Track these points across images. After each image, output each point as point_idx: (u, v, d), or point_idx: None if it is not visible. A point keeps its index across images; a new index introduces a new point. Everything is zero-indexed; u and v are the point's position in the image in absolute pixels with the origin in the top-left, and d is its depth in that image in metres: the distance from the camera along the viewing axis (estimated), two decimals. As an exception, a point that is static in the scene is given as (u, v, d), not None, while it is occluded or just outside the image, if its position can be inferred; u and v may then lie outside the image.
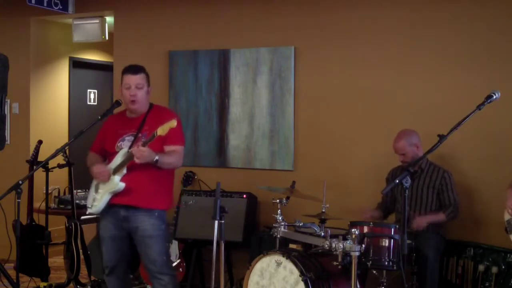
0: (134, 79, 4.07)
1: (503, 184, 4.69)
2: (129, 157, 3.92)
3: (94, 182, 4.18)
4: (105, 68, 7.78)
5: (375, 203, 4.82)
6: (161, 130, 3.78)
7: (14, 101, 6.76)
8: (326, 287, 3.87)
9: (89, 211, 4.18)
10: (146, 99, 4.13)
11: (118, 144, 4.10)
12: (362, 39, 5.17)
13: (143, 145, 3.83)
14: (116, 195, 4.02)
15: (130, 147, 3.99)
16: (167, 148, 4.04)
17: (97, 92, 8.02)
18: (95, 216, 4.39)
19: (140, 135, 4.04)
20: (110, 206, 4.06)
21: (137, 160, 3.84)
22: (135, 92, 4.05)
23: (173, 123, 3.77)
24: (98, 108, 7.75)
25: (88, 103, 7.91)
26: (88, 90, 7.92)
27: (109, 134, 4.20)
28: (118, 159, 4.03)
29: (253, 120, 5.57)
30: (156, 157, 3.88)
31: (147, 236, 4.04)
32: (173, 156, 4.04)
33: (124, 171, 3.99)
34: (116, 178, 4.00)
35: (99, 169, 4.08)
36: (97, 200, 4.08)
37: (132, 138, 4.06)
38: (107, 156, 4.19)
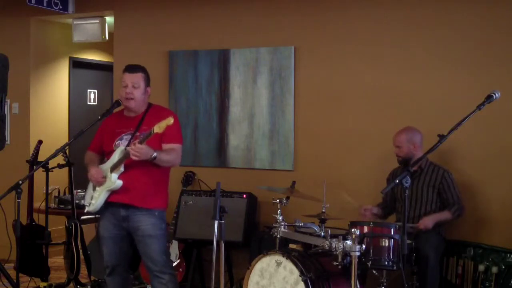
0: (131, 78, 4.09)
1: (503, 184, 4.71)
2: (126, 155, 3.92)
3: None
4: (105, 68, 7.79)
5: (375, 203, 4.81)
6: (158, 128, 3.78)
7: (14, 101, 6.76)
8: (326, 287, 3.87)
9: (87, 209, 4.18)
10: (144, 99, 4.13)
11: (116, 143, 4.10)
12: (362, 39, 5.17)
13: (140, 142, 3.84)
14: (114, 193, 4.02)
15: (127, 145, 4.00)
16: (165, 146, 4.04)
17: (97, 92, 8.03)
18: (95, 216, 4.39)
19: (138, 134, 4.04)
20: (108, 205, 4.06)
21: (134, 158, 3.84)
22: (131, 90, 4.07)
23: (170, 120, 3.77)
24: (98, 108, 7.75)
25: (88, 103, 7.91)
26: (88, 90, 7.92)
27: (107, 133, 4.20)
28: (115, 157, 4.03)
29: (253, 120, 5.57)
30: (154, 154, 3.88)
31: (147, 236, 4.04)
32: (171, 154, 4.04)
33: (122, 169, 3.99)
34: (114, 176, 3.99)
35: (94, 173, 4.08)
36: (95, 198, 4.08)
37: (130, 137, 4.06)
38: (105, 155, 4.20)
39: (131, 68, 4.14)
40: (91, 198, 4.12)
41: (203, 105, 5.76)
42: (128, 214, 4.04)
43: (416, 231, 4.34)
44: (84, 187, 5.87)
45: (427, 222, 4.35)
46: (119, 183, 3.99)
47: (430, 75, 4.94)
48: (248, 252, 5.22)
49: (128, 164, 3.98)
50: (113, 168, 4.01)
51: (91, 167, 4.13)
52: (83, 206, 5.56)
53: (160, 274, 4.08)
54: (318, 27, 5.34)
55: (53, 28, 7.17)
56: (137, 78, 4.09)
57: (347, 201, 4.44)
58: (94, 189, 4.14)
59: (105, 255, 4.17)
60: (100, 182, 4.07)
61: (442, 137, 3.36)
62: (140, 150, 3.82)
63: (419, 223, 4.35)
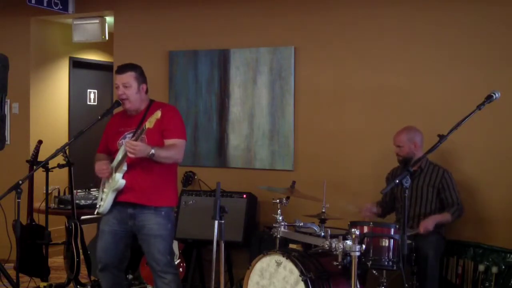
0: (121, 79, 4.09)
1: (503, 184, 4.71)
2: (126, 152, 3.92)
3: (102, 182, 4.19)
4: (105, 68, 7.79)
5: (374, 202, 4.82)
6: (149, 123, 3.78)
7: (14, 101, 6.76)
8: (326, 287, 3.87)
9: (96, 211, 4.17)
10: (139, 97, 4.11)
11: (120, 142, 4.10)
12: (362, 39, 5.17)
13: (135, 139, 3.84)
14: (121, 192, 4.02)
15: None
16: (167, 142, 4.03)
17: (97, 92, 8.03)
18: (95, 216, 4.39)
19: (139, 131, 4.03)
20: (117, 204, 4.05)
21: (130, 155, 3.85)
22: (123, 91, 4.07)
23: (157, 114, 3.76)
24: (98, 108, 7.75)
25: (88, 103, 7.91)
26: (88, 90, 7.92)
27: (111, 133, 4.22)
28: (119, 156, 4.04)
29: (253, 120, 5.57)
30: (152, 151, 3.86)
31: (152, 235, 4.04)
32: (172, 150, 4.01)
33: (124, 167, 3.99)
34: (117, 175, 4.00)
35: (99, 166, 4.09)
36: (103, 200, 4.09)
37: (132, 135, 4.05)
38: (111, 155, 4.19)
39: (121, 69, 4.13)
40: (101, 200, 4.13)
41: (203, 105, 5.76)
42: (135, 212, 4.04)
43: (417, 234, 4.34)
44: (84, 187, 5.93)
45: (427, 224, 4.33)
46: (122, 182, 3.99)
47: (430, 75, 4.94)
48: (248, 252, 5.22)
49: (131, 163, 3.98)
50: (117, 167, 4.02)
51: (97, 162, 4.13)
52: (83, 206, 5.63)
53: (162, 274, 4.07)
54: (318, 27, 5.34)
55: (53, 28, 7.17)
56: (127, 77, 4.07)
57: (347, 208, 4.44)
58: (102, 190, 4.14)
59: (99, 250, 4.15)
60: (105, 173, 4.06)
61: (442, 137, 3.36)
62: (135, 147, 3.81)
63: (419, 227, 4.33)
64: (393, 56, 5.07)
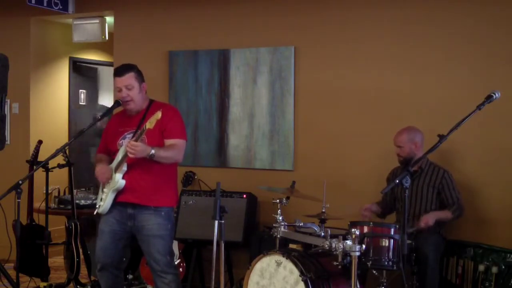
0: (122, 81, 4.07)
1: (503, 184, 4.71)
2: (126, 153, 3.93)
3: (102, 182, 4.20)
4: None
5: (374, 202, 4.82)
6: (149, 124, 3.79)
7: (14, 101, 6.75)
8: (326, 287, 3.87)
9: (96, 211, 4.17)
10: (141, 97, 4.12)
11: (120, 142, 4.10)
12: (362, 39, 5.17)
13: (136, 140, 3.84)
14: (121, 193, 4.02)
15: None
16: (167, 142, 4.04)
17: (97, 92, 8.04)
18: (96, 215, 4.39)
19: (139, 132, 4.03)
20: (117, 204, 4.06)
21: (130, 155, 3.85)
22: (126, 93, 4.06)
23: (158, 114, 3.76)
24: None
25: (88, 103, 7.92)
26: (88, 90, 7.93)
27: (111, 133, 4.22)
28: (119, 157, 4.04)
29: (253, 120, 5.57)
30: (152, 151, 3.86)
31: (152, 236, 4.04)
32: (172, 150, 4.02)
33: (124, 167, 3.99)
34: (117, 175, 4.00)
35: (99, 169, 4.08)
36: (103, 200, 4.09)
37: (132, 135, 4.05)
38: (111, 155, 4.19)
39: (120, 71, 4.11)
40: (100, 200, 4.13)
41: (203, 105, 5.76)
42: (135, 213, 4.05)
43: (418, 231, 4.34)
44: (84, 187, 5.94)
45: (428, 219, 4.34)
46: (122, 182, 3.99)
47: (430, 75, 4.94)
48: (248, 252, 5.22)
49: (131, 164, 3.99)
50: (117, 168, 4.02)
51: (98, 165, 4.13)
52: (83, 206, 5.63)
53: (162, 274, 4.08)
54: (318, 27, 5.34)
55: (53, 28, 7.17)
56: (128, 79, 4.06)
57: (348, 208, 4.47)
58: (102, 190, 4.15)
59: (98, 250, 4.15)
60: (104, 179, 4.06)
61: (442, 137, 3.36)
62: (135, 148, 3.82)
63: (420, 222, 4.34)
64: (393, 56, 5.07)
